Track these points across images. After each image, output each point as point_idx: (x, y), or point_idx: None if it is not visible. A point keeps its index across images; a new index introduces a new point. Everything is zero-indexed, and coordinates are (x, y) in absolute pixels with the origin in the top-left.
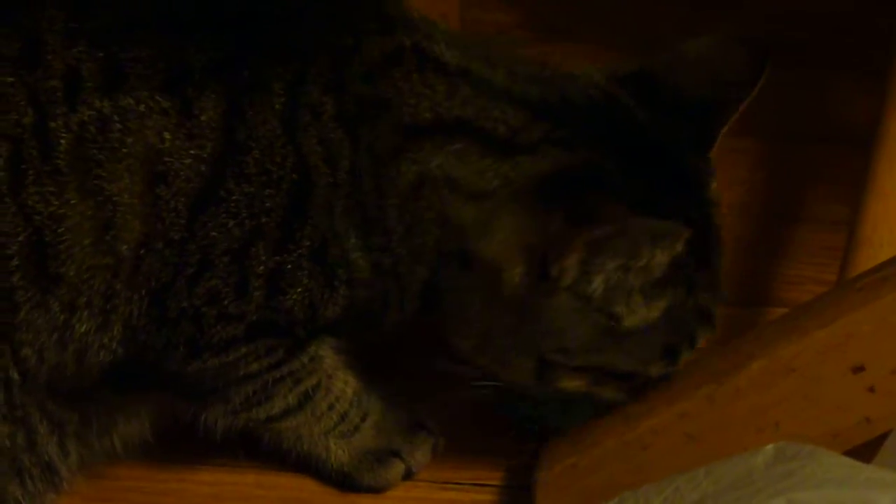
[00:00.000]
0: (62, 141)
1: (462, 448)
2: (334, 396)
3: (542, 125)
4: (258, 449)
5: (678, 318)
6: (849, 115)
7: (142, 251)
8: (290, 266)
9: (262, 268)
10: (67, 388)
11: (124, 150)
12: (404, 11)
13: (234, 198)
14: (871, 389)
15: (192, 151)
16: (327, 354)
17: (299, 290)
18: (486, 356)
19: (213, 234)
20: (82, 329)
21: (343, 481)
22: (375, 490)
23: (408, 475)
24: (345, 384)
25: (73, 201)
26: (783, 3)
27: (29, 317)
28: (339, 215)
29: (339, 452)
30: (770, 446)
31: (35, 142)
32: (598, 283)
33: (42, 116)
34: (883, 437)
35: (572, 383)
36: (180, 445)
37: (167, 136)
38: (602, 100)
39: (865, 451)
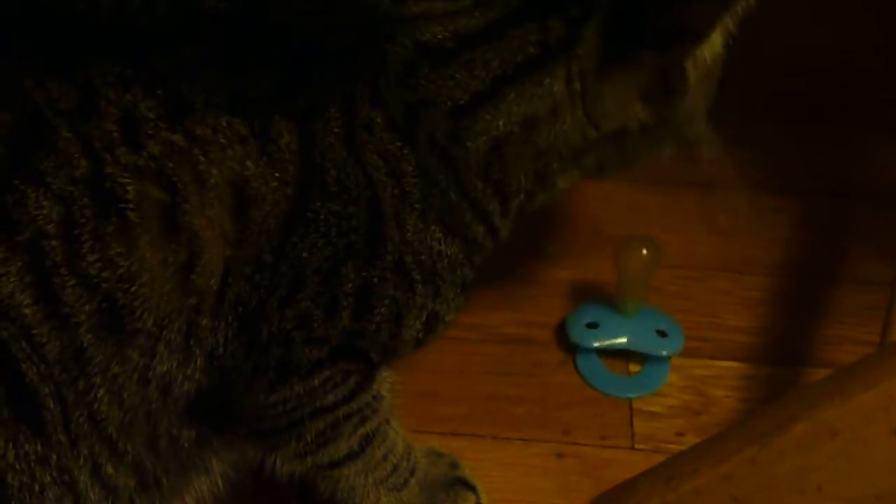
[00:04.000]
0: (129, 188)
1: None
2: (389, 445)
3: (553, 16)
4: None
5: None
6: (890, 174)
7: (229, 279)
8: (376, 280)
9: (350, 286)
10: (145, 435)
11: (211, 181)
12: (387, 6)
13: (321, 217)
14: None
15: (276, 174)
16: (387, 396)
17: (386, 302)
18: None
19: (305, 254)
20: (164, 368)
21: None
22: None
23: None
24: (396, 434)
25: (146, 255)
26: (830, 61)
27: (104, 367)
28: (416, 220)
29: None
30: None
31: (89, 199)
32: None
33: (98, 165)
34: None
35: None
36: None
37: (250, 163)
38: None
39: None
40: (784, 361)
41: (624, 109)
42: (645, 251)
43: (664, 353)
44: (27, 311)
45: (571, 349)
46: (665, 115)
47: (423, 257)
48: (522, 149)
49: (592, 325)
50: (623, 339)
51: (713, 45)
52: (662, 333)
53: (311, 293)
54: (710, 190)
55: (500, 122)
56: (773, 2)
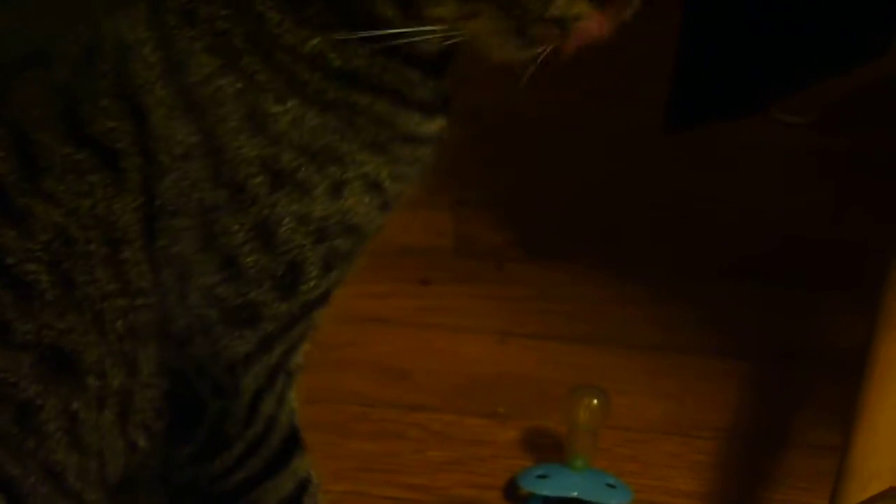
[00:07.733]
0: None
1: None
2: None
3: None
4: None
5: None
6: (838, 339)
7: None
8: (276, 207)
9: (242, 235)
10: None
11: (91, 247)
12: None
13: (173, 191)
14: None
15: (128, 198)
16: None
17: (290, 219)
18: None
19: (176, 248)
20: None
21: None
22: None
23: None
24: None
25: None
26: (774, 228)
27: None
28: (272, 104)
29: None
30: None
31: None
32: None
33: None
34: None
35: None
36: None
37: (103, 204)
38: None
39: None
40: None
41: None
42: (595, 401)
43: (614, 502)
44: None
45: None
46: None
47: (305, 140)
48: None
49: (543, 477)
50: (573, 492)
51: None
52: (612, 486)
53: (202, 270)
54: (659, 352)
55: None
56: (723, 169)
